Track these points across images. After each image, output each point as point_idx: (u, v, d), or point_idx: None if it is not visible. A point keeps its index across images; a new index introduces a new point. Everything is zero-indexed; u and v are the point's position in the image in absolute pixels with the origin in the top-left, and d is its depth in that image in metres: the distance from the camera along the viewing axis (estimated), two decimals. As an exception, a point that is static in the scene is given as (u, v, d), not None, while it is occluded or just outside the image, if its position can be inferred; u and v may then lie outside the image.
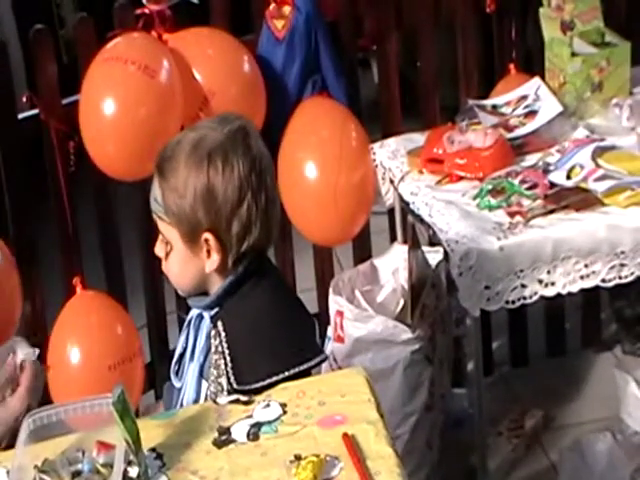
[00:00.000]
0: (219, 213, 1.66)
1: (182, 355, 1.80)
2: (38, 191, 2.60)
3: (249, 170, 1.67)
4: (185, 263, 1.71)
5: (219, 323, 1.70)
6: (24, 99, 2.51)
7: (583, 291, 2.31)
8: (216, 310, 1.73)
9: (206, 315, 1.74)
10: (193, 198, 1.65)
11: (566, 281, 2.24)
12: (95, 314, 2.53)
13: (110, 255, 2.76)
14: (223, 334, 1.69)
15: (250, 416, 1.60)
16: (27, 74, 3.20)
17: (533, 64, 3.02)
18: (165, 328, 2.87)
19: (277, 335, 1.69)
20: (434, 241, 2.51)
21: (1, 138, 2.52)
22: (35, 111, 2.55)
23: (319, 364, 1.72)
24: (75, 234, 2.63)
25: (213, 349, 1.71)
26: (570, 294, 2.29)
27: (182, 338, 1.80)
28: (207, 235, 1.68)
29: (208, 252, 1.69)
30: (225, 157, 1.66)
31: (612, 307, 3.13)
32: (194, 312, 1.79)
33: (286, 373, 1.65)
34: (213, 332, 1.71)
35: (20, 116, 2.55)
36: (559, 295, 2.28)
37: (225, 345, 1.68)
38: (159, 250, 1.75)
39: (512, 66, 2.95)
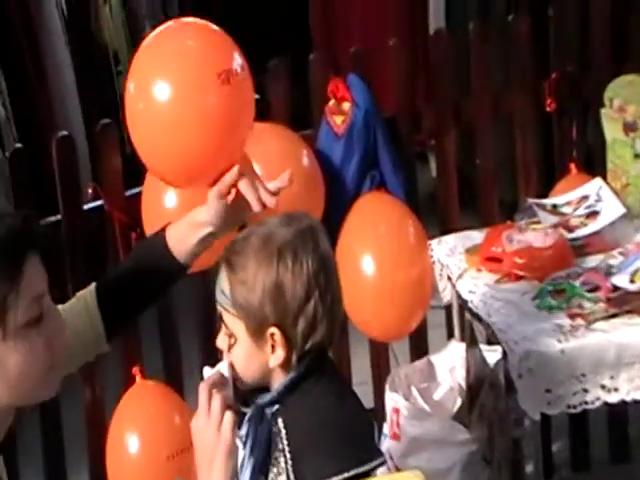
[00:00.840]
0: (287, 309, 1.66)
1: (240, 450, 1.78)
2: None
3: (317, 269, 1.67)
4: (249, 356, 1.70)
5: (279, 420, 1.69)
6: (89, 190, 2.56)
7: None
8: (276, 407, 1.72)
9: (267, 411, 1.73)
10: (262, 292, 1.65)
11: (630, 387, 2.20)
12: (154, 404, 2.53)
13: (169, 345, 2.77)
14: (283, 431, 1.67)
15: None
16: (92, 164, 3.27)
17: (594, 164, 3.02)
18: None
19: (338, 434, 1.66)
20: (492, 340, 2.47)
21: (67, 228, 2.56)
22: (100, 202, 2.59)
23: (378, 467, 1.69)
24: (135, 324, 2.64)
25: (273, 446, 1.69)
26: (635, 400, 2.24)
27: (241, 433, 1.79)
28: (273, 330, 1.67)
29: (273, 347, 1.68)
30: (295, 254, 1.67)
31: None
32: (253, 408, 1.77)
33: (345, 474, 1.63)
34: (274, 429, 1.70)
35: (85, 207, 2.60)
36: (623, 401, 2.23)
37: (286, 443, 1.67)
38: (222, 343, 1.74)
39: (573, 165, 2.95)
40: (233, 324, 1.70)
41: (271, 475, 1.69)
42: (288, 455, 1.65)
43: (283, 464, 1.66)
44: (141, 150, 1.69)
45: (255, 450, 1.73)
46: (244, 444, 1.77)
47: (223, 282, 1.70)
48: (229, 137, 1.64)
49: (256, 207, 1.66)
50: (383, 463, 1.68)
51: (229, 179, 1.66)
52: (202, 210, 1.71)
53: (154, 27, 4.13)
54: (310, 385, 1.69)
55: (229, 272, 1.69)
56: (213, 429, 1.65)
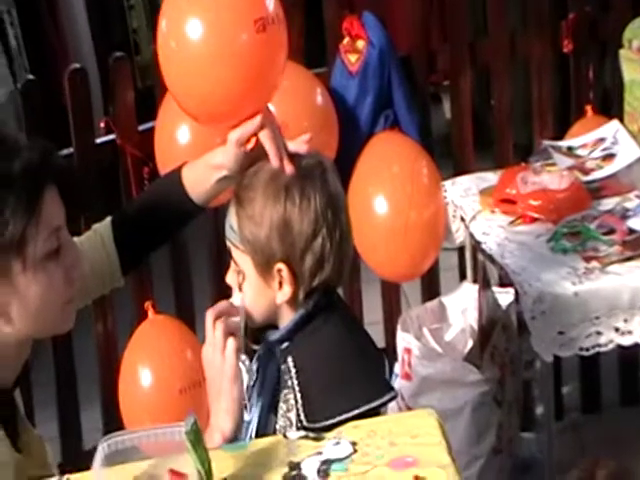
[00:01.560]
0: (294, 245, 1.66)
1: (249, 388, 1.79)
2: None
3: (325, 205, 1.67)
4: (257, 293, 1.70)
5: (289, 358, 1.69)
6: (101, 124, 2.54)
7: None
8: (286, 344, 1.72)
9: (276, 349, 1.74)
10: (269, 228, 1.65)
11: (644, 330, 2.20)
12: (166, 338, 2.54)
13: (180, 280, 2.77)
14: (293, 370, 1.68)
15: (320, 453, 1.59)
16: (104, 99, 3.25)
17: (611, 106, 2.98)
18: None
19: (348, 371, 1.67)
20: (505, 282, 2.47)
21: (79, 162, 2.55)
22: (112, 136, 2.58)
23: (389, 401, 1.69)
24: (147, 259, 2.64)
25: (282, 383, 1.70)
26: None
27: (251, 371, 1.79)
28: (280, 265, 1.67)
29: (280, 283, 1.68)
30: (302, 190, 1.66)
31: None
32: (263, 345, 1.78)
33: (356, 411, 1.63)
34: (283, 367, 1.70)
35: (97, 141, 2.58)
36: (635, 344, 2.23)
37: (295, 381, 1.67)
38: (231, 280, 1.74)
39: (589, 108, 2.92)
40: (241, 260, 1.69)
41: (280, 412, 1.69)
42: (298, 393, 1.66)
43: (292, 401, 1.66)
44: (171, 86, 1.70)
45: (265, 387, 1.74)
46: (254, 382, 1.77)
47: (232, 217, 1.69)
48: (259, 82, 1.65)
49: (275, 162, 1.65)
50: (393, 398, 1.68)
51: (251, 127, 1.66)
52: (219, 153, 1.71)
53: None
54: (319, 322, 1.69)
55: (237, 207, 1.68)
56: (218, 355, 1.65)
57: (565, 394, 3.04)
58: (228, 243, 1.72)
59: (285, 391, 1.69)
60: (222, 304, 1.70)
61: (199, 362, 2.51)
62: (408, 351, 2.50)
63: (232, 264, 1.73)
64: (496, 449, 2.44)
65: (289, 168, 1.66)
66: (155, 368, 2.49)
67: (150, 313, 2.57)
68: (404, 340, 2.53)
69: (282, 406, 1.69)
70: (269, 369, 1.75)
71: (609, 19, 3.01)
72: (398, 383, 2.54)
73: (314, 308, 1.69)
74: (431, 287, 3.00)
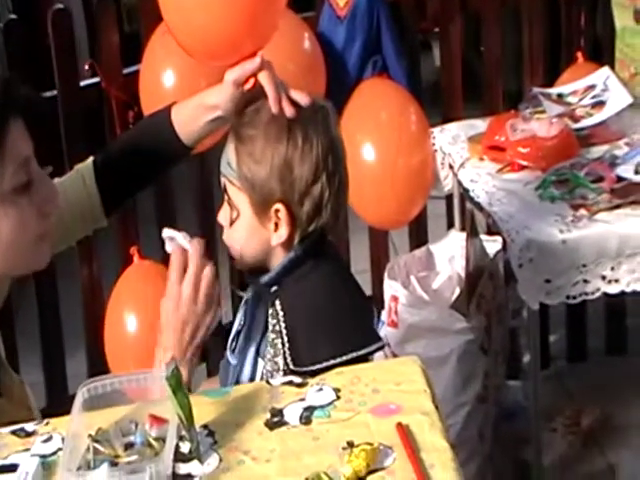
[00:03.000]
0: (293, 186, 1.64)
1: (238, 332, 1.78)
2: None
3: (327, 150, 1.65)
4: (251, 233, 1.68)
5: (277, 302, 1.68)
6: (86, 67, 2.51)
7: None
8: (274, 288, 1.71)
9: (264, 293, 1.72)
10: (269, 167, 1.63)
11: (631, 279, 2.19)
12: (152, 283, 2.52)
13: (166, 225, 2.73)
14: (281, 313, 1.67)
15: (303, 399, 1.58)
16: (90, 42, 3.21)
17: (601, 53, 2.95)
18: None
19: (336, 318, 1.66)
20: (493, 230, 2.46)
21: (63, 104, 2.52)
22: (96, 79, 2.54)
23: (377, 350, 1.69)
24: (132, 204, 2.62)
25: (270, 328, 1.69)
26: (635, 292, 2.23)
27: (239, 315, 1.78)
28: (279, 206, 1.65)
29: (276, 225, 1.66)
30: (305, 133, 1.64)
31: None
32: (251, 289, 1.76)
33: (344, 357, 1.62)
34: (271, 310, 1.69)
35: (82, 83, 2.55)
36: (622, 292, 2.22)
37: (283, 325, 1.66)
38: (223, 217, 1.72)
39: (580, 54, 2.89)
40: (237, 197, 1.67)
41: (267, 356, 1.69)
42: (285, 336, 1.65)
43: (280, 345, 1.66)
44: (169, 20, 1.70)
45: (253, 332, 1.74)
46: (242, 326, 1.77)
47: (230, 153, 1.67)
48: (259, 21, 1.63)
49: (274, 107, 1.61)
50: (381, 347, 1.68)
51: (250, 67, 1.63)
52: (214, 92, 1.67)
53: None
54: (309, 267, 1.68)
55: (237, 143, 1.65)
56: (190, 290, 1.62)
57: (551, 342, 3.05)
58: (223, 179, 1.69)
59: (272, 335, 1.68)
60: (178, 251, 1.67)
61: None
62: (395, 299, 2.50)
63: (225, 201, 1.71)
64: (482, 397, 2.45)
65: (289, 110, 1.62)
66: (141, 313, 2.48)
67: (135, 258, 2.56)
68: (391, 288, 2.52)
69: (270, 350, 1.68)
70: (257, 313, 1.74)
71: (602, -36, 2.98)
72: (384, 330, 2.54)
73: (304, 253, 1.68)
74: (419, 235, 2.99)
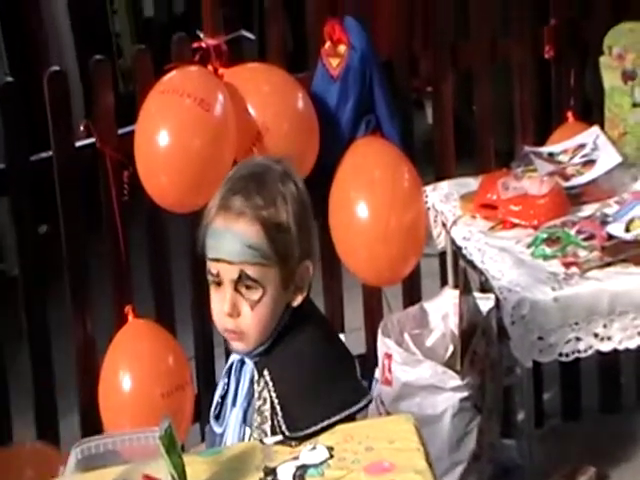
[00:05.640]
0: (310, 240, 1.68)
1: (222, 398, 1.77)
2: (92, 219, 2.61)
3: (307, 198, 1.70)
4: (276, 304, 1.66)
5: (265, 371, 1.68)
6: (81, 128, 2.53)
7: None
8: (260, 356, 1.69)
9: (248, 361, 1.72)
10: (295, 229, 1.63)
11: (623, 336, 2.19)
12: (146, 342, 2.54)
13: (160, 285, 2.76)
14: (270, 383, 1.66)
15: (296, 458, 1.58)
16: (85, 103, 3.24)
17: (592, 112, 2.99)
18: (213, 361, 2.86)
19: (326, 380, 1.66)
20: (486, 287, 2.47)
21: (58, 165, 2.53)
22: (92, 140, 2.56)
23: (367, 406, 1.69)
24: (127, 263, 2.63)
25: (257, 395, 1.68)
26: (627, 349, 2.24)
27: (222, 383, 1.77)
28: (308, 263, 1.66)
29: (299, 287, 1.66)
30: (295, 183, 1.68)
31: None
32: (235, 356, 1.75)
33: (337, 417, 1.63)
34: (257, 378, 1.69)
35: (77, 144, 2.57)
36: (615, 349, 2.23)
37: (274, 394, 1.66)
38: (234, 307, 1.64)
39: (570, 114, 2.93)
40: (264, 275, 1.64)
41: (255, 424, 1.68)
42: (277, 405, 1.65)
43: (267, 413, 1.65)
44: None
45: (238, 399, 1.72)
46: (225, 392, 1.75)
47: (247, 234, 1.62)
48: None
49: None
50: (370, 401, 1.68)
51: None
52: None
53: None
54: (296, 332, 1.68)
55: (257, 221, 1.62)
56: None
57: (546, 400, 3.03)
58: (238, 267, 1.63)
59: (259, 402, 1.68)
60: None
61: (180, 367, 2.54)
62: (389, 356, 2.50)
63: (240, 289, 1.64)
64: (476, 455, 2.43)
65: None
66: (136, 373, 2.48)
67: (130, 317, 2.56)
68: (385, 345, 2.52)
69: (256, 418, 1.68)
70: (242, 381, 1.73)
71: (590, 26, 3.02)
72: (378, 388, 2.53)
73: (294, 317, 1.68)
74: (412, 293, 2.99)
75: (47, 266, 2.61)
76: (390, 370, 2.48)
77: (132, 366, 2.48)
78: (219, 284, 1.67)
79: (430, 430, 2.31)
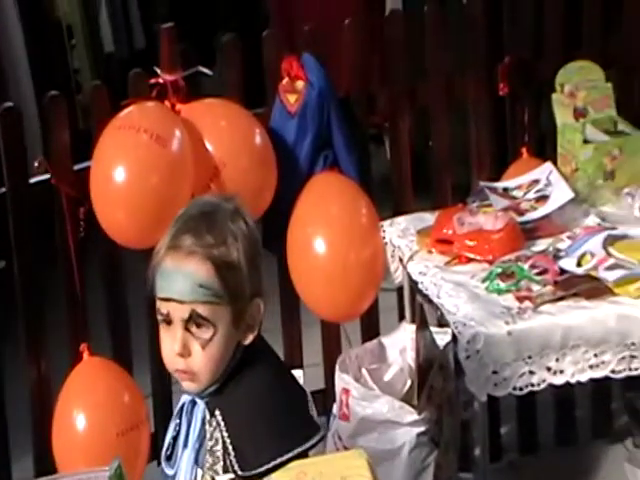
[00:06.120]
0: (260, 278, 1.67)
1: (174, 439, 1.76)
2: (47, 256, 2.59)
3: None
4: (228, 343, 1.65)
5: (217, 411, 1.67)
6: (36, 164, 2.52)
7: (593, 380, 2.28)
8: (212, 397, 1.68)
9: (200, 401, 1.70)
10: (245, 267, 1.63)
11: (575, 370, 2.21)
12: (102, 381, 2.51)
13: (117, 323, 2.74)
14: (222, 423, 1.65)
15: (250, 496, 1.57)
16: (43, 139, 3.22)
17: (547, 148, 3.03)
18: (170, 398, 2.83)
19: (277, 418, 1.66)
20: (443, 322, 2.48)
21: (12, 202, 2.52)
22: (47, 176, 2.55)
23: (320, 442, 1.69)
24: (83, 300, 2.62)
25: (208, 435, 1.67)
26: (580, 382, 2.26)
27: (174, 424, 1.76)
28: (259, 300, 1.66)
29: (250, 325, 1.66)
30: (245, 221, 1.68)
31: (623, 398, 3.08)
32: (186, 397, 1.74)
33: (290, 454, 1.62)
34: (209, 418, 1.68)
35: (32, 180, 2.55)
36: (569, 383, 2.24)
37: (225, 434, 1.65)
38: (188, 345, 1.63)
39: (524, 150, 2.96)
40: (215, 314, 1.63)
41: (207, 465, 1.67)
42: (229, 445, 1.64)
43: (219, 454, 1.65)
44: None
45: (190, 441, 1.71)
46: (177, 432, 1.74)
47: (199, 274, 1.62)
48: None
49: None
50: (324, 436, 1.68)
51: None
52: None
53: (109, 1, 4.06)
54: (247, 370, 1.68)
55: (209, 260, 1.62)
56: None
57: (503, 434, 3.04)
58: (189, 307, 1.62)
59: (211, 443, 1.67)
60: None
61: (136, 405, 2.51)
62: (346, 392, 2.49)
63: (190, 329, 1.63)
64: (434, 490, 2.44)
65: None
66: (90, 412, 2.45)
67: (85, 355, 2.53)
68: (342, 381, 2.52)
69: (208, 459, 1.67)
70: (193, 422, 1.71)
71: (544, 63, 3.06)
72: (336, 424, 2.53)
73: (245, 354, 1.68)
74: (371, 327, 3.00)
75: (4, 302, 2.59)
76: (347, 405, 2.48)
77: (86, 405, 2.45)
78: (169, 323, 1.66)
79: (388, 465, 2.31)
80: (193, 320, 1.64)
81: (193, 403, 1.72)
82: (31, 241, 2.54)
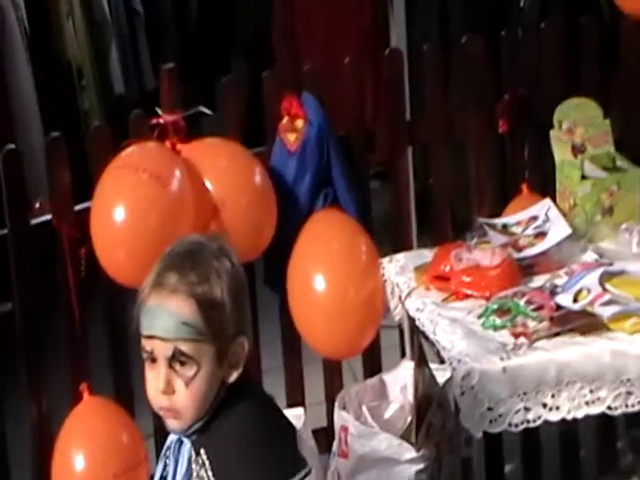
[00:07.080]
0: (246, 316, 1.68)
1: (162, 479, 1.76)
2: (48, 296, 2.61)
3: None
4: (212, 380, 1.65)
5: (202, 450, 1.67)
6: (37, 205, 2.55)
7: (598, 418, 2.26)
8: (198, 435, 1.69)
9: (186, 440, 1.71)
10: (229, 305, 1.64)
11: (571, 406, 2.20)
12: (101, 421, 2.51)
13: (118, 362, 2.75)
14: (207, 462, 1.66)
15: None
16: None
17: (547, 184, 3.03)
18: (171, 438, 2.84)
19: (263, 455, 1.66)
20: (443, 359, 2.48)
21: (13, 242, 2.54)
22: (48, 217, 2.58)
23: (305, 477, 1.69)
24: (84, 340, 2.63)
25: (195, 474, 1.67)
26: (585, 419, 2.24)
27: (162, 463, 1.77)
28: (243, 338, 1.66)
29: (235, 362, 1.66)
30: (230, 260, 1.69)
31: (628, 436, 3.06)
32: (173, 436, 1.75)
33: (274, 492, 1.63)
34: (195, 457, 1.68)
35: (33, 221, 2.58)
36: (574, 420, 2.23)
37: (210, 473, 1.65)
38: (167, 384, 1.64)
39: (524, 186, 2.97)
40: (198, 351, 1.64)
41: None
42: None
43: None
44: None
45: (177, 478, 1.72)
46: (164, 472, 1.75)
47: (181, 312, 1.63)
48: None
49: None
50: (309, 472, 1.68)
51: None
52: None
53: (119, 42, 4.09)
54: (232, 408, 1.68)
55: (190, 298, 1.63)
56: None
57: (507, 473, 3.02)
58: (172, 344, 1.63)
59: None
60: None
61: (134, 446, 2.52)
62: (345, 429, 2.49)
63: (166, 367, 1.65)
64: (433, 528, 2.42)
65: None
66: (88, 452, 2.45)
67: (85, 395, 2.54)
68: (341, 418, 2.52)
69: None
70: (180, 461, 1.72)
71: (543, 101, 3.07)
72: (335, 461, 2.53)
73: (231, 392, 1.69)
74: (372, 365, 3.00)
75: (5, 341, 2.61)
76: (346, 443, 2.47)
77: (85, 445, 2.46)
78: (153, 361, 1.67)
79: (386, 503, 2.30)
80: (176, 358, 1.65)
81: (180, 442, 1.73)
82: (32, 281, 2.56)
